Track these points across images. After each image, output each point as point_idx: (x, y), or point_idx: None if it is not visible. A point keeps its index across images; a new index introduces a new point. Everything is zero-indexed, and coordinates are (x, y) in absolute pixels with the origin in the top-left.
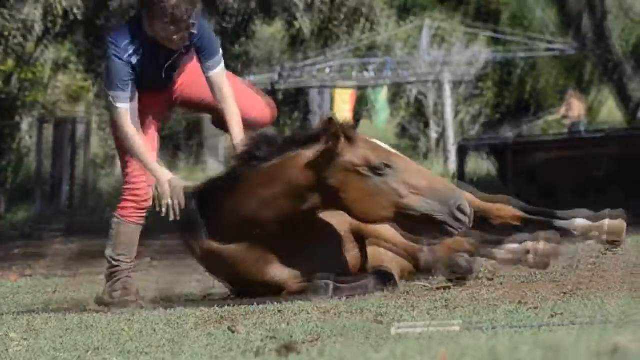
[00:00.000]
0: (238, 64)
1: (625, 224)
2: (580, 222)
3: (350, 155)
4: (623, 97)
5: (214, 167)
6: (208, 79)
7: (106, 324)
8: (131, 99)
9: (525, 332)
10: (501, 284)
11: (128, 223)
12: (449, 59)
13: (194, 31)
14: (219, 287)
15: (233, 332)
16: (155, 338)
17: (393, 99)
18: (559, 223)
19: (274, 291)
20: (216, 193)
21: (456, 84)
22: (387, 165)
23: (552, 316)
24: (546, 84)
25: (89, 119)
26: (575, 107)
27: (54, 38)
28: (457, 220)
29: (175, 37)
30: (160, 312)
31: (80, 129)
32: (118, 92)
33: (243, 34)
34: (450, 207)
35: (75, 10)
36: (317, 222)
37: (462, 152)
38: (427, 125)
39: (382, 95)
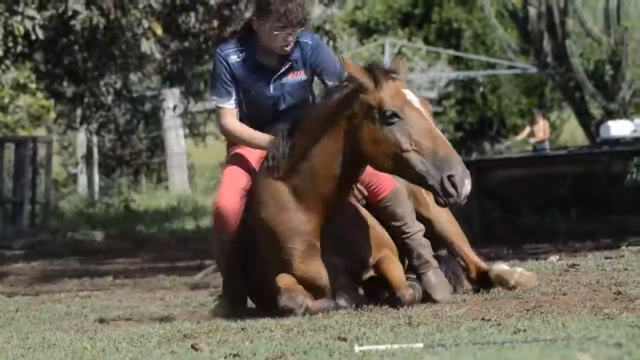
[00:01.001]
0: (201, 83)
1: (535, 279)
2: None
3: (370, 96)
4: (584, 116)
5: (178, 186)
6: None
7: (69, 342)
8: (235, 105)
9: (488, 349)
10: (464, 301)
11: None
12: (412, 78)
13: (306, 40)
14: (181, 306)
15: (196, 350)
16: (118, 356)
17: None
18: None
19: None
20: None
21: None
22: (396, 115)
23: (515, 333)
24: (508, 102)
25: (51, 139)
26: (540, 128)
27: (14, 59)
28: (445, 191)
29: (281, 34)
30: (123, 330)
31: (42, 150)
32: (218, 92)
33: (206, 52)
34: (442, 175)
35: (37, 31)
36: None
37: None
38: None
39: None
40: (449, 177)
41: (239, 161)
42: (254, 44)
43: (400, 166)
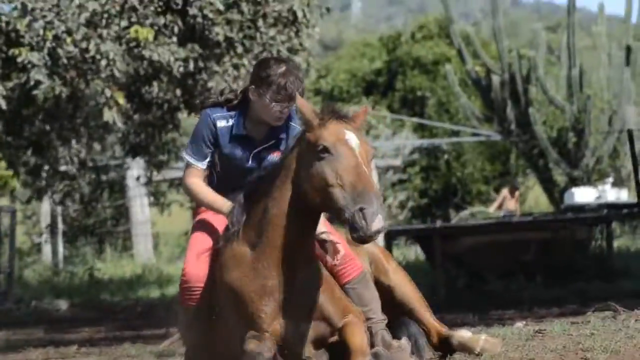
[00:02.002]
0: (165, 152)
1: (500, 345)
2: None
3: (312, 133)
4: (548, 183)
5: (143, 254)
6: None
7: None
8: (206, 167)
9: None
10: None
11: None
12: (376, 146)
13: (295, 125)
14: None
15: None
16: None
17: None
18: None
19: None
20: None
21: (383, 171)
22: (327, 150)
23: None
24: (472, 170)
25: (14, 208)
26: (511, 202)
27: None
28: (355, 224)
29: (278, 106)
30: None
31: (5, 219)
32: (194, 151)
33: (170, 122)
34: (355, 208)
35: (0, 101)
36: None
37: (390, 238)
38: None
39: None
40: (361, 209)
41: (205, 227)
42: (244, 113)
43: (326, 200)
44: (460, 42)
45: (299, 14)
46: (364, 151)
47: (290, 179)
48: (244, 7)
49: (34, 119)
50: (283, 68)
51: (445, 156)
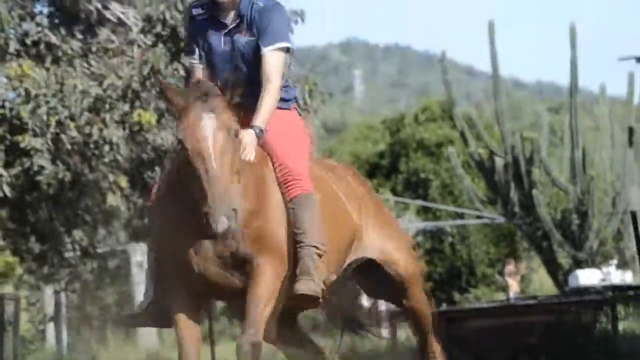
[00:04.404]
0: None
1: None
2: None
3: (178, 120)
4: (552, 265)
5: (147, 341)
6: (262, 57)
7: None
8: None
9: None
10: None
11: None
12: None
13: (258, 2)
14: None
15: None
16: None
17: None
18: None
19: None
20: None
21: None
22: (182, 144)
23: None
24: (477, 252)
25: (18, 296)
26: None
27: None
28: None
29: None
30: None
31: (9, 307)
32: (187, 48)
33: None
34: (204, 209)
35: (3, 188)
36: None
37: (394, 322)
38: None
39: None
40: (206, 213)
41: None
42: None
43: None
44: (463, 124)
45: (300, 101)
46: (221, 137)
47: None
48: None
49: (38, 205)
50: None
51: (450, 239)
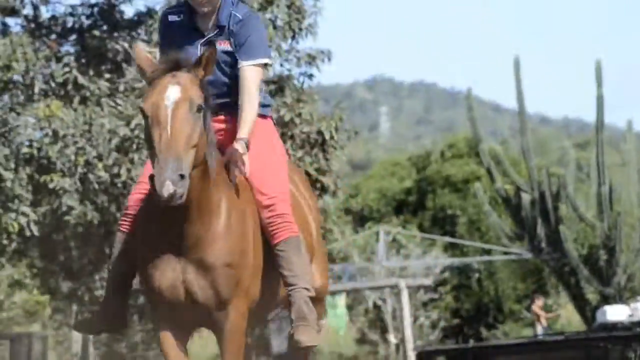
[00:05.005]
0: None
1: None
2: None
3: (146, 89)
4: (580, 301)
5: None
6: (240, 70)
7: None
8: None
9: None
10: None
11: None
12: (407, 264)
13: (237, 13)
14: None
15: None
16: None
17: (352, 305)
18: None
19: None
20: None
21: (414, 290)
22: (144, 113)
23: None
24: (505, 288)
25: (46, 335)
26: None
27: (10, 256)
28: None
29: None
30: None
31: (37, 345)
32: (160, 52)
33: None
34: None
35: (31, 227)
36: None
37: (422, 359)
38: (386, 331)
39: (340, 302)
40: (151, 176)
41: None
42: (190, 6)
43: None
44: (489, 160)
45: (327, 136)
46: (181, 108)
47: None
48: None
49: (66, 244)
50: None
51: (477, 275)
